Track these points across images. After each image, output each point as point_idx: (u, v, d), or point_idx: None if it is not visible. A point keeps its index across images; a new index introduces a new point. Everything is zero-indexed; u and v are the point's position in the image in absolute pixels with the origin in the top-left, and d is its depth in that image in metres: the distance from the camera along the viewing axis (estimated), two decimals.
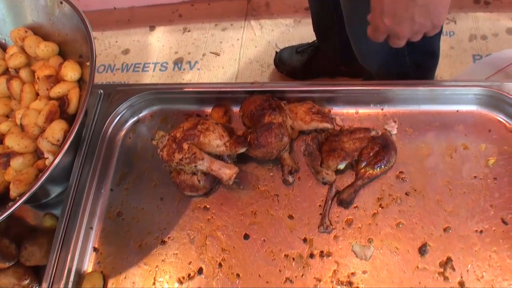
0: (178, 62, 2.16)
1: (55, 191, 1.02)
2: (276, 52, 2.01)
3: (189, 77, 2.11)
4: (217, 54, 2.16)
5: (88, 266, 0.94)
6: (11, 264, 0.91)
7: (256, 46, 2.15)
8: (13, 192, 0.87)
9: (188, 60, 2.16)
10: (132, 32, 2.33)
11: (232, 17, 2.28)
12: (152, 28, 2.32)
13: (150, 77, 2.13)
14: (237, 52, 2.14)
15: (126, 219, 0.97)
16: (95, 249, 0.95)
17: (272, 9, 2.26)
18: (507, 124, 0.95)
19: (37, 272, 0.93)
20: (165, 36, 2.28)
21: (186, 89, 1.07)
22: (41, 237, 0.94)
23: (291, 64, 1.95)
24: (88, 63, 0.86)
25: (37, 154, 0.92)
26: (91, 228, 0.97)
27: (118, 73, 2.18)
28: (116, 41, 2.31)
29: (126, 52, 2.25)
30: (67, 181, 0.98)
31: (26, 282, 0.91)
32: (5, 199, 0.91)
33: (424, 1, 0.74)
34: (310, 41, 1.96)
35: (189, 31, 2.27)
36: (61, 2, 0.95)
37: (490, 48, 1.87)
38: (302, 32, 2.15)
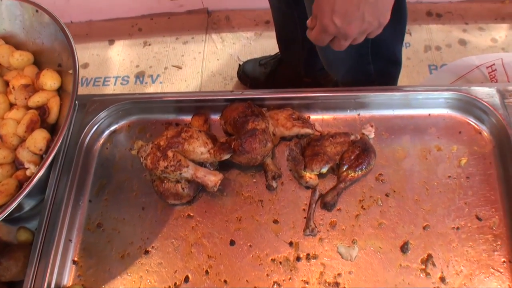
0: (139, 76, 2.14)
1: (28, 204, 0.98)
2: (239, 65, 2.02)
3: (152, 90, 2.09)
4: (179, 68, 2.15)
5: (69, 279, 0.91)
6: None
7: (218, 59, 2.16)
8: None
9: (150, 74, 2.14)
10: (90, 46, 2.28)
11: (192, 30, 2.28)
12: (111, 42, 2.29)
13: (112, 91, 2.10)
14: (200, 65, 2.15)
15: (107, 230, 0.95)
16: (74, 262, 0.93)
17: (232, 22, 2.28)
18: (476, 126, 1.00)
19: None
20: (125, 49, 2.25)
21: (165, 98, 1.06)
22: (17, 251, 0.91)
23: (254, 76, 1.97)
24: (70, 71, 0.84)
25: (15, 164, 0.89)
26: (70, 240, 0.94)
27: (77, 87, 2.13)
28: None
29: (85, 66, 2.21)
30: (41, 194, 0.95)
31: None
32: None
33: None
34: (272, 54, 1.99)
35: (149, 44, 2.25)
36: (37, 11, 0.93)
37: (444, 58, 1.97)
38: (264, 44, 2.18)
